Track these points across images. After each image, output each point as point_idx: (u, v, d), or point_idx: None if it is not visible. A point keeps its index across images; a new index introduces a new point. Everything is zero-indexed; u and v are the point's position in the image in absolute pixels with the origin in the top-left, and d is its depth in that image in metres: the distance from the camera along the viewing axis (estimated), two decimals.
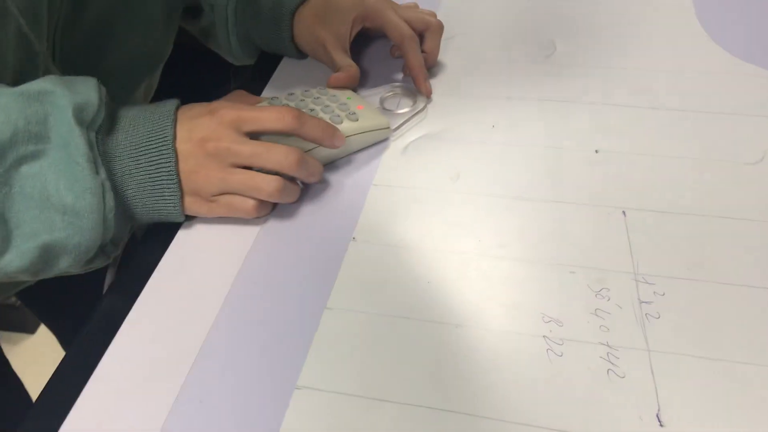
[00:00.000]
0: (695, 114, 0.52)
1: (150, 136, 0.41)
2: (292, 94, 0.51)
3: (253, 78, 0.60)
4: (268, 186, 0.43)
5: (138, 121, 0.42)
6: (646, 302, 0.39)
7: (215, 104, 0.44)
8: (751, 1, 0.66)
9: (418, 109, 0.53)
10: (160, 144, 0.41)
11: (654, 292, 0.39)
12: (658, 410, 0.34)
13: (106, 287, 0.51)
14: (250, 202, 0.43)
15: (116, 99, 0.42)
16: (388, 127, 0.51)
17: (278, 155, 0.43)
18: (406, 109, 0.54)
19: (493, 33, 0.64)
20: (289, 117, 0.43)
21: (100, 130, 0.40)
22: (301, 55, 0.59)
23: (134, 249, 0.46)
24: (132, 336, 0.39)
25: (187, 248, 0.44)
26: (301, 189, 0.46)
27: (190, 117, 0.43)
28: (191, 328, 0.39)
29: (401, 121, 0.52)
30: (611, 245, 0.42)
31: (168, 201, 0.42)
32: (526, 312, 0.39)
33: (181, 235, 0.45)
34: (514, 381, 0.35)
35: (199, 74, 0.76)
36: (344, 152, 0.50)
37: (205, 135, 0.42)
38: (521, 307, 0.39)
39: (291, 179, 0.45)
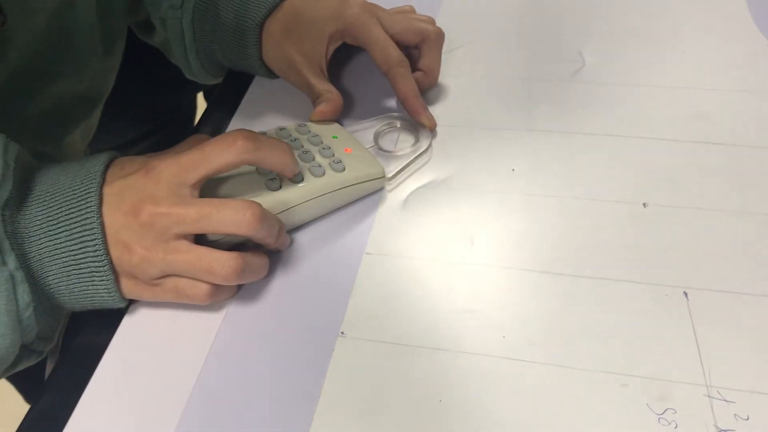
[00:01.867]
0: (763, 151, 0.42)
1: (70, 205, 0.32)
2: (263, 133, 0.41)
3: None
4: (222, 268, 0.33)
5: (57, 187, 0.33)
6: (725, 430, 0.29)
7: (155, 159, 0.34)
8: None
9: (422, 150, 0.43)
10: (82, 215, 0.32)
11: (735, 415, 0.30)
12: None
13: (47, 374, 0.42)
14: (203, 287, 0.34)
15: (47, 146, 0.33)
16: (383, 176, 0.41)
17: (232, 213, 0.33)
18: (406, 148, 0.44)
19: (505, 41, 0.53)
20: (241, 140, 0.33)
21: (9, 205, 0.31)
22: (275, 75, 0.49)
23: (79, 321, 0.37)
24: None
25: (133, 336, 0.35)
26: (269, 262, 0.37)
27: (122, 176, 0.34)
28: None
29: (400, 166, 0.42)
30: (673, 343, 0.33)
31: (99, 286, 0.33)
32: None
33: (128, 321, 0.36)
34: None
35: (162, 66, 0.62)
36: (328, 209, 0.40)
37: (139, 199, 0.33)
38: None
39: (255, 251, 0.36)
